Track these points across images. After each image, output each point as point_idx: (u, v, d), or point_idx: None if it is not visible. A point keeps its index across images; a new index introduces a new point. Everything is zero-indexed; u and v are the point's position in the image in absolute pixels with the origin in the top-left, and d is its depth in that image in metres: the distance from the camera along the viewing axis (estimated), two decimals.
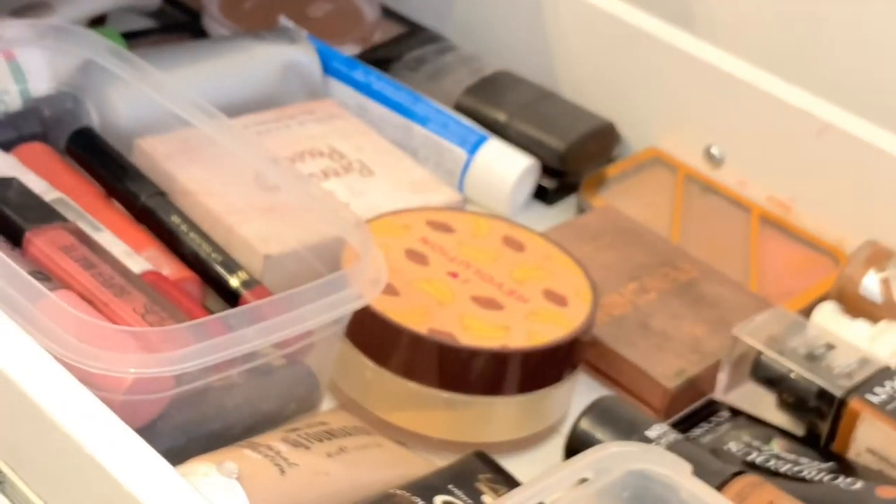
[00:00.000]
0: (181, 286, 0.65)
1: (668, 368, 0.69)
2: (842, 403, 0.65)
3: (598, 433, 0.64)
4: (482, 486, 0.60)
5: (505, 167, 0.81)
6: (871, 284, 0.74)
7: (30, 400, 0.53)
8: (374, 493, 0.58)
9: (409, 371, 0.64)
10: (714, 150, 0.84)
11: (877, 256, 0.74)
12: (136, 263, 0.65)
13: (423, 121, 0.83)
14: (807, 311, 0.74)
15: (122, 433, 0.53)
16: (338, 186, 0.76)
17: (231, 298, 0.65)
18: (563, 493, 0.52)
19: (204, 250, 0.67)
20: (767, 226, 0.82)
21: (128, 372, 0.55)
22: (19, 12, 0.82)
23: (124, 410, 0.54)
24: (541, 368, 0.65)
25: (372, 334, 0.64)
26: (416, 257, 0.68)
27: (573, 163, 0.84)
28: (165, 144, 0.73)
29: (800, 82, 0.81)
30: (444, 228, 0.71)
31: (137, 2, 0.91)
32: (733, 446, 0.65)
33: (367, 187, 0.76)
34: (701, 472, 0.59)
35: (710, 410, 0.68)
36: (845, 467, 0.64)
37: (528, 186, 0.83)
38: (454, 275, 0.68)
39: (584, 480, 0.53)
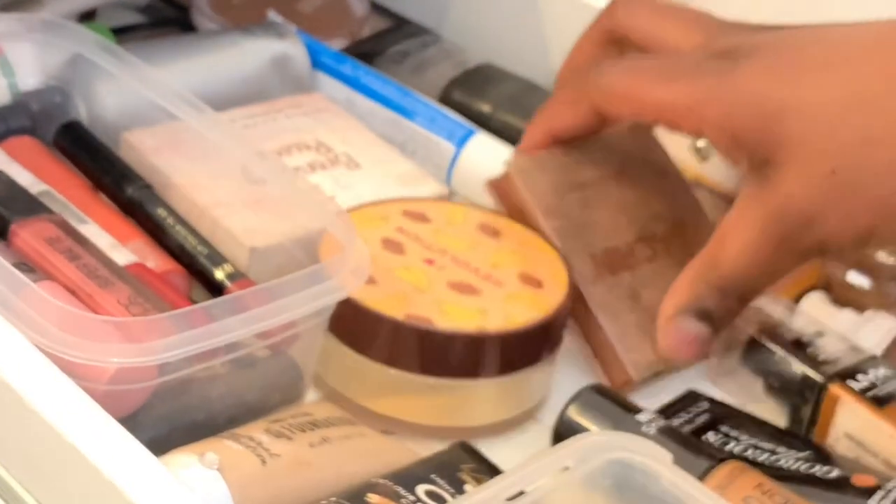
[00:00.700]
0: (166, 278, 0.65)
1: (641, 356, 0.69)
2: (823, 388, 0.66)
3: (586, 420, 0.64)
4: (465, 476, 0.60)
5: (492, 161, 0.81)
6: (858, 273, 0.74)
7: (11, 389, 0.53)
8: (357, 483, 0.58)
9: (389, 358, 0.65)
10: (700, 144, 0.84)
11: None
12: (122, 255, 0.65)
13: (410, 115, 0.83)
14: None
15: (105, 423, 0.53)
16: (324, 180, 0.76)
17: (216, 291, 0.65)
18: (545, 482, 0.52)
19: (190, 243, 0.67)
20: None
21: (110, 362, 0.55)
22: (8, 6, 0.82)
23: (107, 400, 0.54)
24: (519, 350, 0.66)
25: (351, 323, 0.65)
26: (393, 246, 0.69)
27: None
28: (152, 138, 0.73)
29: None
30: (420, 218, 0.71)
31: None
32: (711, 437, 0.66)
33: (353, 180, 0.76)
34: (687, 458, 0.59)
35: (689, 401, 0.69)
36: (822, 456, 0.64)
37: None
38: (430, 262, 0.68)
39: (565, 469, 0.53)
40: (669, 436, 0.62)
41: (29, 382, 0.54)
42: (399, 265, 0.68)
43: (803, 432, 0.67)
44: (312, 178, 0.76)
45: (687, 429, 0.66)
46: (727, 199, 0.82)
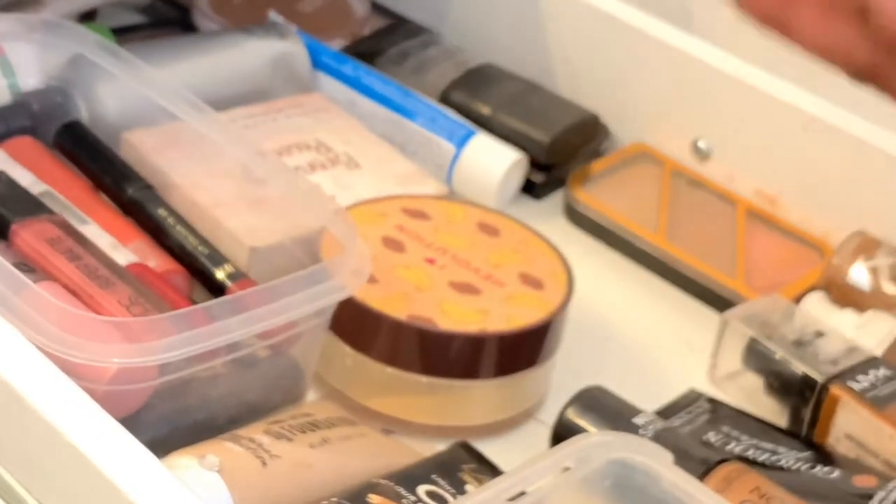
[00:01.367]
0: (167, 278, 0.65)
1: None
2: (824, 389, 0.66)
3: (585, 422, 0.64)
4: (466, 476, 0.60)
5: (493, 161, 0.81)
6: (859, 274, 0.74)
7: (11, 389, 0.53)
8: (358, 484, 0.58)
9: (390, 357, 0.65)
10: (701, 144, 0.84)
11: (865, 246, 0.74)
12: (123, 256, 0.65)
13: (411, 115, 0.83)
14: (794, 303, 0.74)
15: (106, 423, 0.53)
16: (324, 179, 0.76)
17: (217, 291, 0.65)
18: (546, 482, 0.52)
19: (190, 243, 0.67)
20: (754, 219, 0.82)
21: (111, 362, 0.55)
22: (8, 6, 0.82)
23: (107, 400, 0.54)
24: (519, 350, 0.66)
25: (352, 322, 0.65)
26: (393, 244, 0.69)
27: (557, 155, 0.84)
28: (153, 138, 0.73)
29: (786, 76, 0.81)
30: (420, 215, 0.71)
31: None
32: (712, 437, 0.66)
33: (353, 180, 0.76)
34: (686, 459, 0.59)
35: (689, 400, 0.69)
36: (823, 456, 0.64)
37: (516, 181, 0.83)
38: (431, 261, 0.68)
39: (566, 469, 0.53)
40: (668, 437, 0.62)
41: (29, 382, 0.54)
42: (400, 264, 0.68)
43: (804, 432, 0.67)
44: (312, 177, 0.76)
45: (687, 429, 0.66)
46: (727, 199, 0.83)
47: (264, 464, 0.58)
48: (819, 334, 0.69)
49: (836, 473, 0.62)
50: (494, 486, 0.52)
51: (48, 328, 0.55)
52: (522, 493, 0.51)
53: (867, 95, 0.54)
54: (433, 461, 0.61)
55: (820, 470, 0.63)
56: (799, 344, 0.69)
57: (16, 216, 0.64)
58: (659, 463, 0.53)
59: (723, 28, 0.87)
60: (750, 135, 0.82)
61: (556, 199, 0.85)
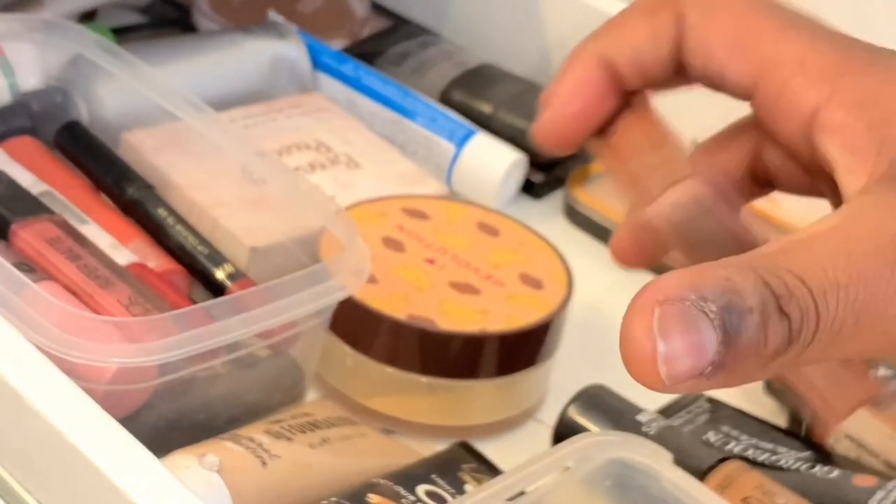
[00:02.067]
0: (167, 278, 0.65)
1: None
2: None
3: (586, 420, 0.64)
4: (465, 476, 0.60)
5: (493, 161, 0.81)
6: None
7: (11, 389, 0.53)
8: (358, 483, 0.58)
9: (390, 357, 0.65)
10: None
11: None
12: (122, 255, 0.65)
13: (411, 115, 0.83)
14: None
15: (105, 423, 0.53)
16: (324, 179, 0.76)
17: (217, 291, 0.65)
18: (545, 482, 0.52)
19: (190, 243, 0.67)
20: (753, 219, 0.82)
21: (110, 362, 0.55)
22: (8, 6, 0.82)
23: (107, 400, 0.54)
24: (519, 350, 0.66)
25: (352, 322, 0.65)
26: (393, 244, 0.69)
27: (557, 155, 0.84)
28: (153, 138, 0.73)
29: None
30: (420, 215, 0.71)
31: None
32: (712, 436, 0.66)
33: (353, 180, 0.76)
34: (688, 457, 0.59)
35: (688, 400, 0.69)
36: (823, 456, 0.64)
37: (516, 180, 0.83)
38: (431, 261, 0.68)
39: (566, 469, 0.53)
40: (670, 436, 0.62)
41: (29, 382, 0.54)
42: (400, 264, 0.68)
43: (803, 433, 0.67)
44: (312, 177, 0.76)
45: (687, 429, 0.66)
46: None
47: (264, 464, 0.58)
48: None
49: (835, 473, 0.62)
50: (494, 486, 0.52)
51: (48, 328, 0.55)
52: (522, 493, 0.51)
53: None
54: (433, 461, 0.61)
55: (819, 470, 0.63)
56: None
57: (16, 216, 0.64)
58: (659, 463, 0.53)
59: None
60: None
61: (555, 199, 0.85)
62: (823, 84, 0.42)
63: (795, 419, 0.67)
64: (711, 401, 0.69)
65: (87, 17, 0.89)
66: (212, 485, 0.56)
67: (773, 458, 0.64)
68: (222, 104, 0.76)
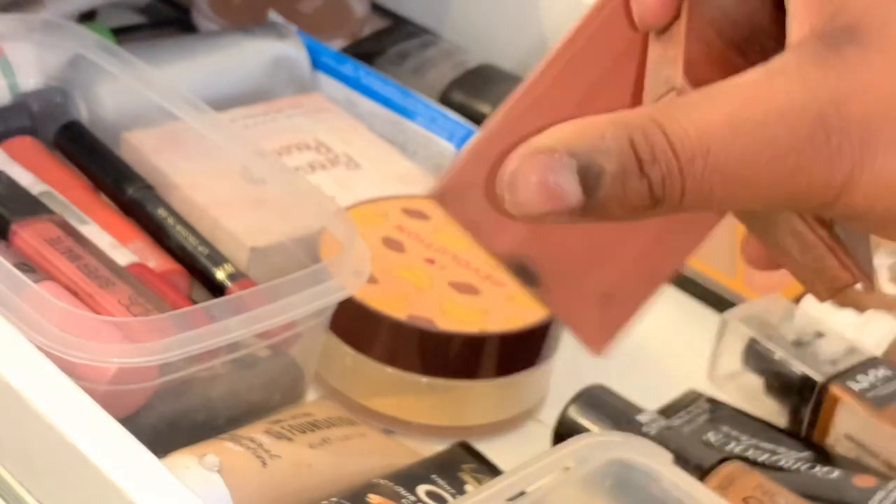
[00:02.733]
0: (167, 278, 0.65)
1: None
2: (823, 389, 0.66)
3: (587, 420, 0.64)
4: (465, 476, 0.60)
5: None
6: None
7: (12, 389, 0.53)
8: (358, 484, 0.58)
9: (390, 357, 0.65)
10: None
11: None
12: (123, 256, 0.65)
13: (411, 115, 0.83)
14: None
15: (106, 423, 0.53)
16: (324, 179, 0.76)
17: (217, 291, 0.65)
18: (545, 482, 0.52)
19: (190, 243, 0.67)
20: None
21: (111, 362, 0.55)
22: (8, 6, 0.82)
23: (107, 400, 0.54)
24: (519, 351, 0.66)
25: (352, 322, 0.65)
26: (393, 244, 0.69)
27: None
28: (153, 138, 0.73)
29: None
30: (419, 215, 0.71)
31: None
32: (712, 437, 0.66)
33: (353, 180, 0.76)
34: (688, 458, 0.59)
35: (688, 400, 0.69)
36: (823, 456, 0.64)
37: None
38: (431, 261, 0.68)
39: (566, 469, 0.53)
40: (670, 436, 0.62)
41: (29, 382, 0.54)
42: (400, 264, 0.68)
43: (803, 433, 0.67)
44: (312, 178, 0.76)
45: (687, 429, 0.66)
46: None
47: (264, 464, 0.58)
48: (819, 334, 0.69)
49: (835, 473, 0.62)
50: (494, 486, 0.52)
51: (48, 328, 0.55)
52: (522, 493, 0.51)
53: None
54: (433, 461, 0.61)
55: (819, 470, 0.63)
56: (799, 344, 0.69)
57: (16, 216, 0.64)
58: (659, 463, 0.53)
59: None
60: None
61: None
62: None
63: (795, 419, 0.67)
64: (711, 401, 0.69)
65: (87, 17, 0.89)
66: (212, 485, 0.56)
67: (773, 458, 0.64)
68: (222, 104, 0.76)
